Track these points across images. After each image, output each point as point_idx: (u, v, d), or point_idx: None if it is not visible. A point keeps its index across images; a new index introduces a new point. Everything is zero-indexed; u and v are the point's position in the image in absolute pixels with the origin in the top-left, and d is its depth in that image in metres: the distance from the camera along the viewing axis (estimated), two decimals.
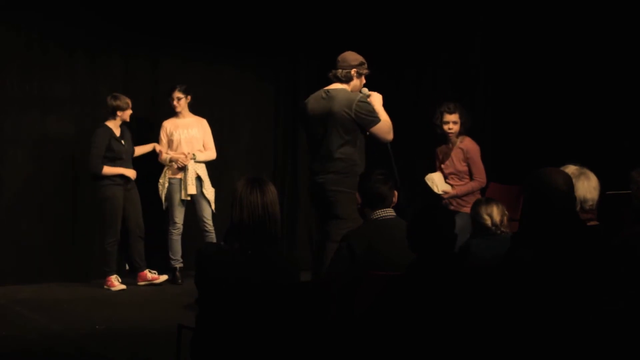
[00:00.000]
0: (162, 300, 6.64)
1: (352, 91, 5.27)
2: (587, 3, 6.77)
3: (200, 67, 7.90)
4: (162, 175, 7.33)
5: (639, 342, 3.21)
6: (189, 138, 7.33)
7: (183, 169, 7.23)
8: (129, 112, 7.06)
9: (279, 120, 8.37)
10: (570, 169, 3.89)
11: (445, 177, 6.62)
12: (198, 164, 7.30)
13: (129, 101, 7.04)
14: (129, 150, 7.14)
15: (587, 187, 3.95)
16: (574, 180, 3.53)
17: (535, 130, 7.13)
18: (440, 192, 6.49)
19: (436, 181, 6.54)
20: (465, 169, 6.56)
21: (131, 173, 7.09)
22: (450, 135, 6.55)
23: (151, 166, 7.33)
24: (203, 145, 7.41)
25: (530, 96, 7.25)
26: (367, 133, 5.24)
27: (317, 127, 5.24)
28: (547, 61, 7.10)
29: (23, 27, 7.10)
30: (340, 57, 5.33)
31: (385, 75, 7.72)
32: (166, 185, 7.30)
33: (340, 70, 5.27)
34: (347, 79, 5.27)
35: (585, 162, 4.11)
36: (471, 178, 6.54)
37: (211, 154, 7.44)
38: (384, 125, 5.23)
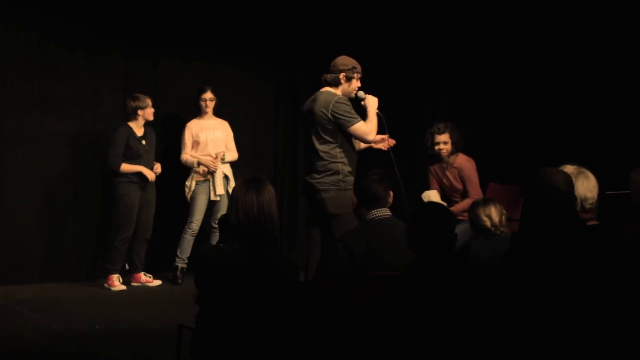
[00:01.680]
0: (162, 300, 6.64)
1: (342, 95, 5.43)
2: (587, 3, 6.77)
3: (200, 67, 7.89)
4: (190, 178, 7.35)
5: (638, 341, 3.21)
6: (214, 140, 7.39)
7: (211, 172, 7.29)
8: (150, 110, 7.07)
9: (279, 120, 8.36)
10: (569, 169, 3.89)
11: (450, 197, 6.64)
12: (224, 164, 7.38)
13: (149, 100, 7.07)
14: (150, 150, 7.15)
15: (587, 185, 3.96)
16: (573, 179, 3.54)
17: (535, 130, 7.13)
18: None
19: (432, 198, 6.59)
20: (462, 186, 6.58)
21: (149, 174, 7.08)
22: (442, 155, 6.54)
23: (164, 167, 7.34)
24: (226, 147, 7.48)
25: (530, 96, 7.24)
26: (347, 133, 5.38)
27: (305, 128, 5.51)
28: (547, 61, 7.09)
29: (23, 27, 7.09)
30: (332, 62, 5.51)
31: (385, 75, 7.74)
32: (192, 187, 7.32)
33: (329, 75, 5.47)
34: (336, 83, 5.46)
35: (585, 162, 4.11)
36: (467, 195, 6.53)
37: (235, 154, 7.53)
38: (362, 126, 5.36)
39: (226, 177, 7.37)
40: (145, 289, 7.09)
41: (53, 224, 7.28)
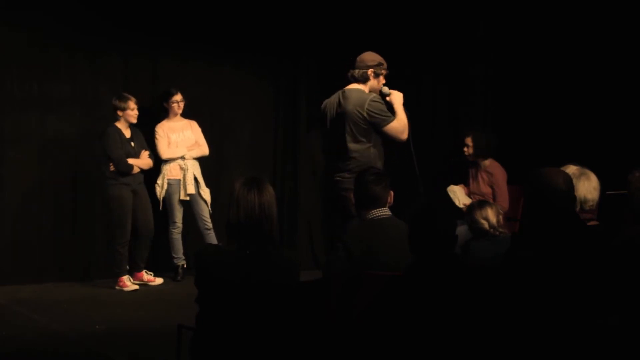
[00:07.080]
0: (162, 300, 6.64)
1: (370, 91, 5.37)
2: (587, 4, 6.77)
3: (200, 67, 7.88)
4: (160, 177, 7.34)
5: (638, 342, 3.21)
6: (184, 140, 7.39)
7: (183, 169, 7.27)
8: (129, 112, 7.00)
9: (279, 121, 8.35)
10: (571, 169, 3.90)
11: (472, 198, 6.68)
12: (195, 167, 7.35)
13: (131, 101, 6.99)
14: (139, 152, 7.12)
15: (588, 187, 3.96)
16: (574, 180, 3.54)
17: (535, 131, 7.14)
18: (461, 206, 6.57)
19: (457, 194, 6.69)
20: (489, 191, 6.68)
21: (144, 163, 7.06)
22: (466, 155, 6.89)
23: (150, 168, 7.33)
24: (197, 144, 7.46)
25: (530, 97, 7.25)
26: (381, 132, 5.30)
27: (333, 126, 5.37)
28: (547, 62, 7.10)
29: (23, 27, 7.09)
30: (358, 58, 5.43)
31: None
32: (165, 187, 7.32)
33: (357, 71, 5.38)
34: (364, 79, 5.37)
35: (585, 162, 4.11)
36: (494, 201, 6.54)
37: (204, 149, 7.47)
38: (398, 125, 5.29)
39: (195, 179, 7.34)
40: (146, 288, 7.09)
41: (53, 224, 7.28)
